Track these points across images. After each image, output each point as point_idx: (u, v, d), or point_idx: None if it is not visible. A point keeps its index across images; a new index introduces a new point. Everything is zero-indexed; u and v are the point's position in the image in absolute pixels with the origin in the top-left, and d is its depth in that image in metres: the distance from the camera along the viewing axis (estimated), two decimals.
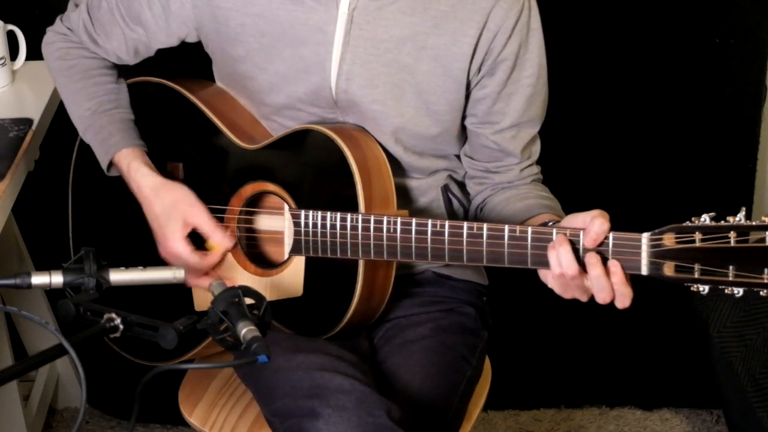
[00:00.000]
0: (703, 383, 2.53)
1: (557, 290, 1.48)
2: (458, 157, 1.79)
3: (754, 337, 2.24)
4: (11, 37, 2.17)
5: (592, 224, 1.41)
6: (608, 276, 1.41)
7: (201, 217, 1.68)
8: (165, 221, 1.68)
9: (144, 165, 1.73)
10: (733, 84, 2.38)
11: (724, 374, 2.31)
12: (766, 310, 2.26)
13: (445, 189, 1.78)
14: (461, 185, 1.82)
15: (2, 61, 2.14)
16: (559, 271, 1.44)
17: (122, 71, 1.85)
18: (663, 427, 2.60)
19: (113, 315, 1.30)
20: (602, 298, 1.43)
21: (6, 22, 2.16)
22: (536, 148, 1.76)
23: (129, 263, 1.46)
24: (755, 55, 2.36)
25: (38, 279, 1.38)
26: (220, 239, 1.68)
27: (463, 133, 1.75)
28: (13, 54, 2.19)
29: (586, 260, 1.42)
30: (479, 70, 1.65)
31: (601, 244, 1.42)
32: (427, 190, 1.77)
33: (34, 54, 2.13)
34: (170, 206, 1.68)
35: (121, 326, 1.30)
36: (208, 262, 1.68)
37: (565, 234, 1.44)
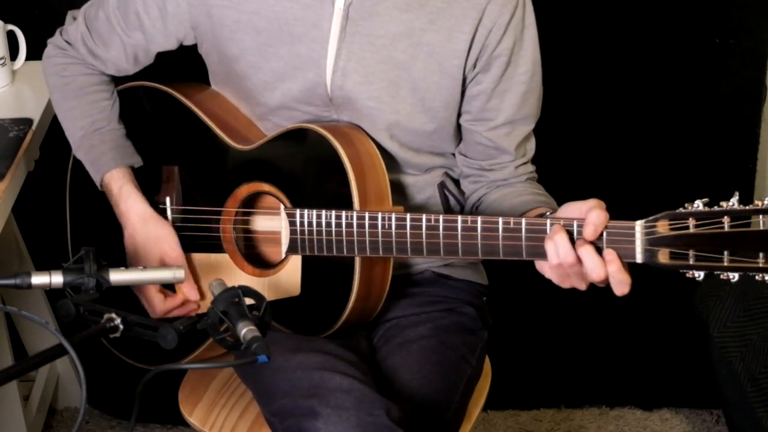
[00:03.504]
0: (703, 383, 2.53)
1: (555, 280, 1.48)
2: (455, 155, 1.79)
3: (754, 337, 2.24)
4: (11, 37, 2.17)
5: (591, 215, 1.42)
6: (605, 264, 1.41)
7: (178, 263, 1.69)
8: (143, 252, 1.70)
9: (136, 190, 1.74)
10: (733, 84, 2.39)
11: (724, 374, 2.30)
12: (766, 310, 2.26)
13: (442, 186, 1.78)
14: (458, 183, 1.82)
15: (2, 61, 2.14)
16: (556, 261, 1.44)
17: (117, 80, 1.85)
18: (663, 427, 2.60)
19: (113, 315, 1.30)
20: (597, 274, 1.41)
21: (6, 22, 2.16)
22: (531, 146, 1.76)
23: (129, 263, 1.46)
24: (755, 55, 2.36)
25: (38, 279, 1.38)
26: (187, 289, 1.70)
27: (460, 131, 1.75)
28: (13, 54, 2.19)
29: (578, 250, 1.42)
30: (474, 66, 1.66)
31: (600, 235, 1.42)
32: (423, 187, 1.77)
33: (34, 54, 2.14)
34: (153, 241, 1.70)
35: (121, 326, 1.30)
36: (168, 304, 1.70)
37: (560, 224, 1.44)
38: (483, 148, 1.73)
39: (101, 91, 1.82)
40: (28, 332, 2.50)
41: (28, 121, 2.00)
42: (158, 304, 1.69)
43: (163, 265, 1.68)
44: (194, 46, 1.78)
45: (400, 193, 1.74)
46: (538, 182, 1.78)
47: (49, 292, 2.41)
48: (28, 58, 2.19)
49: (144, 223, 1.71)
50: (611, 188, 2.45)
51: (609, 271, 1.41)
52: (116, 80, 1.85)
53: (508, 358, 2.32)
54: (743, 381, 2.21)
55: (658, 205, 2.44)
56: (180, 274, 1.45)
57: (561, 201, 1.72)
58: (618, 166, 2.46)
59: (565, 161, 2.36)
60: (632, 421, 2.61)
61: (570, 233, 1.43)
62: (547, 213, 1.53)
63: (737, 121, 2.42)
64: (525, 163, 1.75)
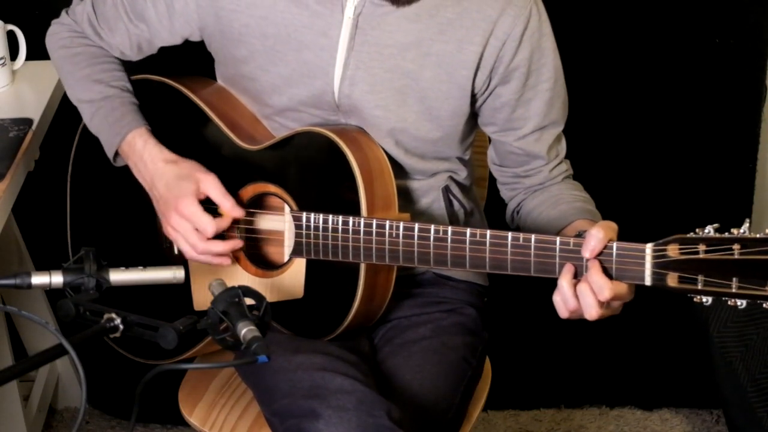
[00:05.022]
0: (703, 383, 2.53)
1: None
2: (459, 159, 1.79)
3: (754, 337, 2.24)
4: (11, 37, 2.17)
5: (589, 235, 1.43)
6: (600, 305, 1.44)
7: (214, 184, 1.67)
8: (177, 184, 1.67)
9: (160, 144, 1.72)
10: (733, 84, 2.38)
11: (724, 374, 2.30)
12: (766, 310, 2.26)
13: (446, 190, 1.78)
14: (462, 187, 1.82)
15: (2, 61, 2.14)
16: (566, 314, 1.47)
17: (125, 68, 1.85)
18: (663, 427, 2.60)
19: (113, 315, 1.30)
20: (589, 314, 1.46)
21: (6, 22, 2.16)
22: (562, 146, 1.75)
23: (129, 263, 1.46)
24: (755, 55, 2.36)
25: (38, 279, 1.38)
26: (229, 206, 1.67)
27: (465, 137, 1.75)
28: (13, 54, 2.19)
29: (578, 291, 1.44)
30: (489, 78, 1.65)
31: (600, 254, 1.43)
32: (428, 191, 1.77)
33: (34, 54, 2.14)
34: (186, 173, 1.68)
35: (121, 326, 1.30)
36: (219, 224, 1.66)
37: (571, 263, 1.45)
38: (515, 157, 1.73)
39: (113, 62, 1.82)
40: (28, 332, 2.50)
41: (28, 121, 2.00)
42: (209, 221, 1.64)
43: (201, 192, 1.66)
44: (202, 41, 1.77)
45: (404, 197, 1.74)
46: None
47: (49, 292, 2.41)
48: (28, 58, 2.19)
49: (174, 163, 1.69)
50: (610, 189, 2.45)
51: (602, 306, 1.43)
52: (125, 68, 1.85)
53: (508, 358, 2.32)
54: (743, 381, 2.21)
55: (658, 206, 2.46)
56: (180, 273, 1.45)
57: None
58: (616, 166, 2.46)
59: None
60: (632, 421, 2.61)
61: (579, 267, 1.45)
62: (582, 233, 1.51)
63: (737, 121, 2.42)
64: (559, 164, 1.75)
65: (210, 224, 1.64)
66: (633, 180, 2.47)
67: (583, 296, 1.43)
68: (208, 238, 1.66)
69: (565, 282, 1.45)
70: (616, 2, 2.32)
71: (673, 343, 2.60)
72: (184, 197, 1.65)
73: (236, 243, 1.69)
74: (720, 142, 2.43)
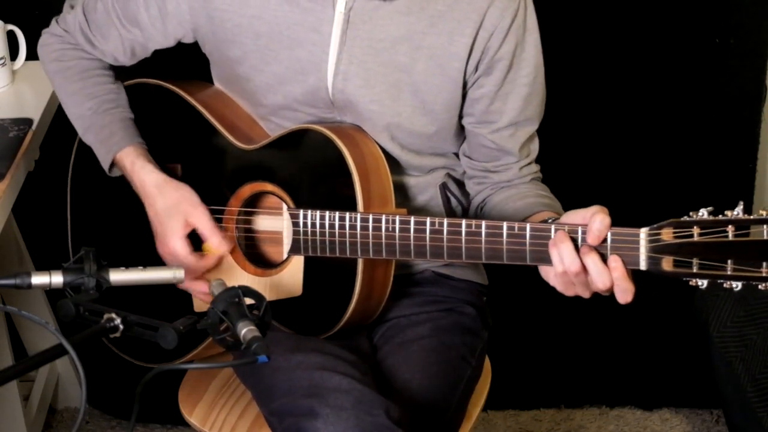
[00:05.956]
0: (703, 383, 2.53)
1: (559, 288, 1.48)
2: (456, 155, 1.80)
3: (754, 337, 2.24)
4: (11, 37, 2.18)
5: (593, 221, 1.41)
6: (609, 270, 1.41)
7: (202, 219, 1.68)
8: (166, 219, 1.69)
9: (148, 162, 1.73)
10: (733, 84, 2.39)
11: (724, 374, 2.30)
12: (766, 310, 2.26)
13: (444, 187, 1.78)
14: (459, 183, 1.82)
15: (2, 61, 2.14)
16: (561, 268, 1.44)
17: (120, 72, 1.85)
18: (663, 427, 2.60)
19: (113, 315, 1.30)
20: (602, 282, 1.42)
21: (6, 22, 2.17)
22: (534, 146, 1.76)
23: (129, 263, 1.46)
24: (755, 55, 2.36)
25: (38, 279, 1.38)
26: (217, 243, 1.68)
27: (460, 132, 1.76)
28: (13, 54, 2.19)
29: (582, 252, 1.42)
30: (476, 69, 1.66)
31: (603, 241, 1.42)
32: (425, 188, 1.77)
33: (34, 54, 2.13)
34: (173, 204, 1.69)
35: (121, 326, 1.30)
36: (203, 264, 1.68)
37: (565, 230, 1.44)
38: (487, 150, 1.73)
39: (105, 75, 1.82)
40: (28, 332, 2.50)
41: (28, 121, 2.00)
42: (193, 263, 1.67)
43: (189, 225, 1.67)
44: (197, 43, 1.78)
45: (401, 194, 1.74)
46: (544, 182, 1.78)
47: (49, 292, 2.41)
48: (28, 58, 2.19)
49: (160, 191, 1.70)
50: (611, 189, 2.46)
51: (613, 277, 1.41)
52: (120, 74, 1.85)
53: (508, 358, 2.32)
54: (743, 381, 2.21)
55: (658, 205, 2.46)
56: (180, 274, 1.45)
57: (561, 201, 1.73)
58: (617, 165, 2.46)
59: (565, 161, 2.36)
60: (632, 421, 2.61)
61: (575, 240, 1.43)
62: (549, 219, 1.52)
63: (737, 121, 2.42)
64: (529, 164, 1.75)
65: (194, 266, 1.67)
66: (634, 180, 2.47)
67: (593, 265, 1.40)
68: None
69: (565, 241, 1.42)
70: (617, 2, 2.33)
71: (673, 343, 2.60)
72: (171, 237, 1.68)
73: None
74: (720, 142, 2.44)
